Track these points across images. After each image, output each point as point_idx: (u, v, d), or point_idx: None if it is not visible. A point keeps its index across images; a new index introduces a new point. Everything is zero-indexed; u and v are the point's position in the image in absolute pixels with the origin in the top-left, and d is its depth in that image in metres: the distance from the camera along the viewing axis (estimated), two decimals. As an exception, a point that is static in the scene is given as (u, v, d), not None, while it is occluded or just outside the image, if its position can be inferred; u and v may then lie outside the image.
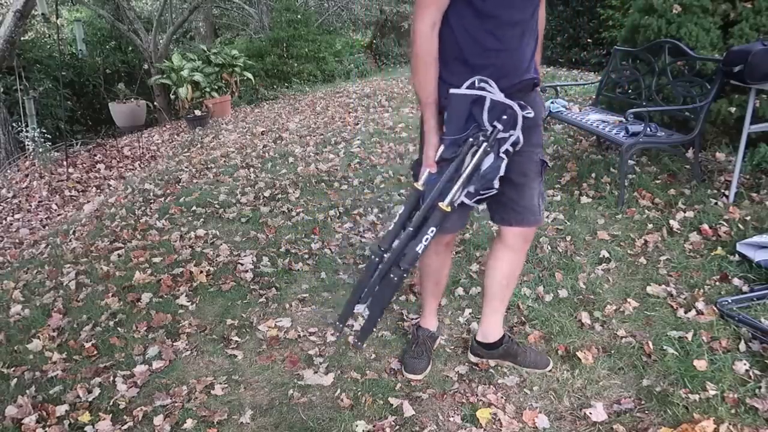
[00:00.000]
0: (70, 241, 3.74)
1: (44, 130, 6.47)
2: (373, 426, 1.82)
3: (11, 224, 4.74)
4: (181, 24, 9.68)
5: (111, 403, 2.03)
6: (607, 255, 2.70)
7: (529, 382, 1.98)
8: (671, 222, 2.91)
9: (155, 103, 8.91)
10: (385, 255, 1.70)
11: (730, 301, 2.22)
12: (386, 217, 3.52)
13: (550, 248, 2.85)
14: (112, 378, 2.16)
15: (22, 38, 7.51)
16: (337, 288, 2.73)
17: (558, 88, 4.43)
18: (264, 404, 1.99)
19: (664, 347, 2.05)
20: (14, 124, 6.85)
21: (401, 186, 4.05)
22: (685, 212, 3.00)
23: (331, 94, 8.62)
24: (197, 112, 7.82)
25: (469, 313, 2.41)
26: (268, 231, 3.44)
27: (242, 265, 3.00)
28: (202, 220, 3.74)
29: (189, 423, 1.89)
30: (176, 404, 2.00)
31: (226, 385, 2.09)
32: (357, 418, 1.85)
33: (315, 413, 1.90)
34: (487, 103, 1.53)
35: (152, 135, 7.75)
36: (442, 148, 1.61)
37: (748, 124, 2.88)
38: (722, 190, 3.16)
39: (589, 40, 8.53)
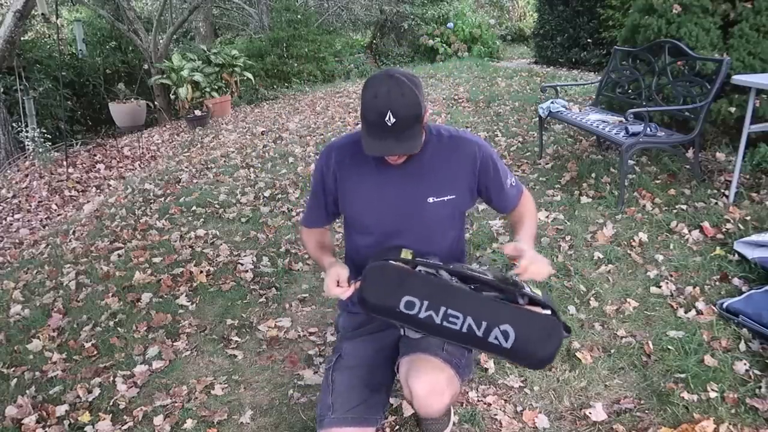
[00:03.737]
0: (70, 241, 3.74)
1: (44, 130, 6.46)
2: (373, 426, 1.82)
3: (11, 224, 4.74)
4: (181, 24, 9.67)
5: (111, 403, 2.03)
6: (607, 255, 2.70)
7: (530, 382, 1.98)
8: (671, 222, 2.91)
9: (155, 103, 8.90)
10: None
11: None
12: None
13: (550, 248, 2.85)
14: (112, 378, 2.16)
15: (22, 38, 7.51)
16: (337, 288, 2.72)
17: (558, 88, 4.43)
18: (264, 404, 1.99)
19: (664, 347, 2.05)
20: (14, 124, 6.84)
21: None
22: (685, 212, 3.00)
23: (331, 94, 8.61)
24: (197, 112, 7.82)
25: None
26: (268, 231, 3.44)
27: (242, 265, 3.00)
28: (202, 220, 3.74)
29: (189, 423, 1.89)
30: (176, 404, 2.00)
31: (226, 385, 2.09)
32: (357, 418, 1.85)
33: (315, 413, 1.90)
34: None
35: (152, 135, 7.74)
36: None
37: (748, 124, 2.88)
38: (722, 190, 3.16)
39: (589, 40, 8.51)
